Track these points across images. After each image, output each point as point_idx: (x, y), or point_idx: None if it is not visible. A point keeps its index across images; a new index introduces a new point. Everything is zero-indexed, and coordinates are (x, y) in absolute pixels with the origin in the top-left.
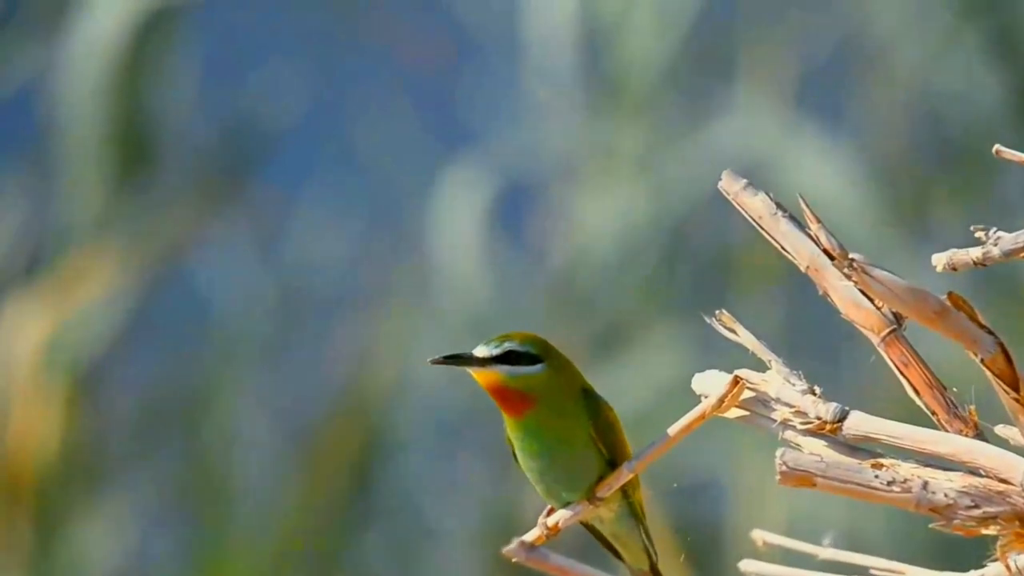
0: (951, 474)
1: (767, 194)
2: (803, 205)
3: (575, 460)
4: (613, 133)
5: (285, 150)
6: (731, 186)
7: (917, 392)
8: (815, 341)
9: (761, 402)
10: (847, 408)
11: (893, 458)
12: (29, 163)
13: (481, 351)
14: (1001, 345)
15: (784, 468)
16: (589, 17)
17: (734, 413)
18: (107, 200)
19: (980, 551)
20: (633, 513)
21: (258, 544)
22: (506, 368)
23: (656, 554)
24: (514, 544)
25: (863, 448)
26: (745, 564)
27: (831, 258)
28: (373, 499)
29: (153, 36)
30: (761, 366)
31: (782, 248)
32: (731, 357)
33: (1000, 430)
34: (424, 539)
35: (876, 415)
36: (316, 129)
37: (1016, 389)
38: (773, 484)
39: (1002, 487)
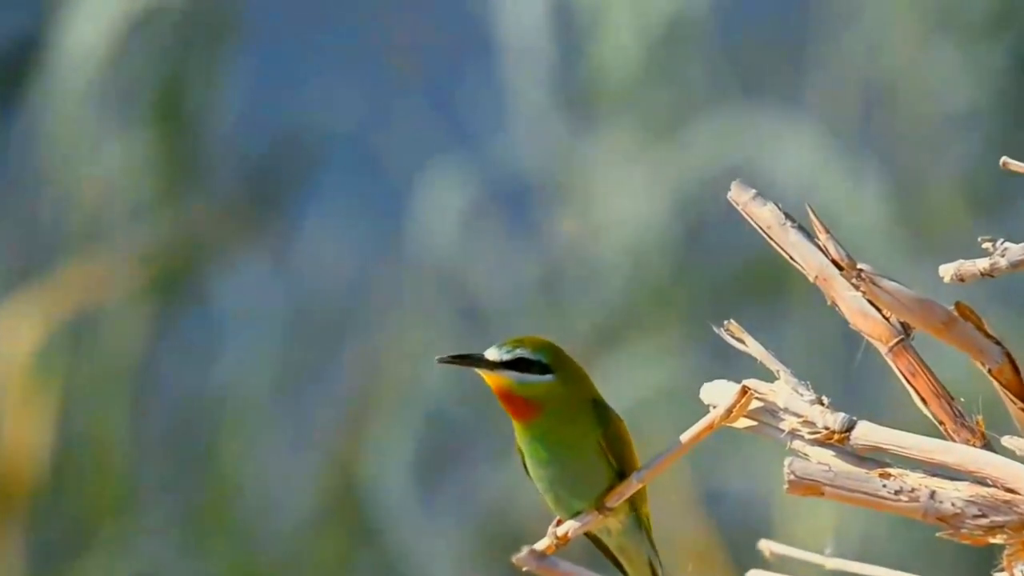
0: (958, 484)
1: (776, 204)
2: (812, 215)
3: (584, 469)
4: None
5: (318, 170)
6: (740, 196)
7: (925, 402)
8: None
9: (769, 412)
10: (855, 418)
11: (901, 468)
12: (24, 167)
13: (492, 354)
14: (1008, 355)
15: (792, 477)
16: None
17: (743, 423)
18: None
19: (988, 560)
20: (640, 526)
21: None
22: (515, 375)
23: (662, 567)
24: (524, 553)
25: (871, 458)
26: (753, 575)
27: (839, 268)
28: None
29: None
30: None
31: (791, 258)
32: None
33: (1007, 441)
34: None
35: (894, 426)
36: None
37: (1023, 399)
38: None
39: (1009, 497)
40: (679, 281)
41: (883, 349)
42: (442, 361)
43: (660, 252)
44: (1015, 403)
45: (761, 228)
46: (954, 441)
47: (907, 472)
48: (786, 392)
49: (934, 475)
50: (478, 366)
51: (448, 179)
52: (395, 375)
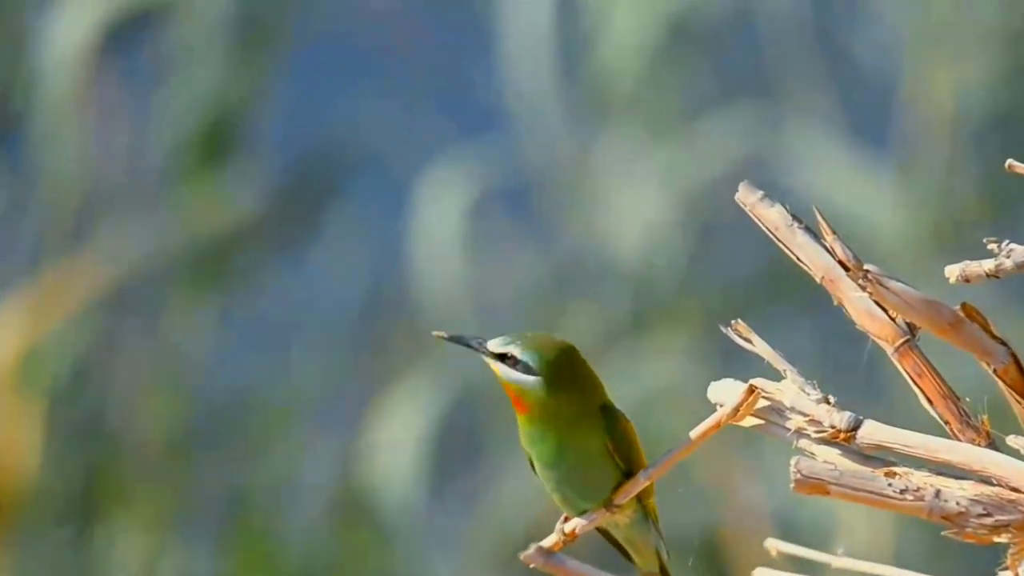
0: (963, 483)
1: (783, 205)
2: (818, 217)
3: (591, 473)
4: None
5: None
6: (748, 197)
7: (931, 402)
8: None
9: (776, 411)
10: (861, 417)
11: (906, 467)
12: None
13: (492, 343)
14: (1014, 356)
15: (798, 476)
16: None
17: (749, 422)
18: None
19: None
20: (647, 517)
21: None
22: (502, 368)
23: (668, 555)
24: (531, 549)
25: (876, 457)
26: (759, 573)
27: (846, 269)
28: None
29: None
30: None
31: (798, 259)
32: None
33: (1012, 440)
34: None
35: (897, 425)
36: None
37: None
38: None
39: (1013, 496)
40: (685, 281)
41: (889, 349)
42: (438, 335)
43: (667, 252)
44: (1020, 403)
45: (768, 229)
46: (959, 440)
47: (912, 471)
48: (793, 391)
49: (939, 474)
50: (470, 348)
51: (454, 179)
52: (410, 375)
